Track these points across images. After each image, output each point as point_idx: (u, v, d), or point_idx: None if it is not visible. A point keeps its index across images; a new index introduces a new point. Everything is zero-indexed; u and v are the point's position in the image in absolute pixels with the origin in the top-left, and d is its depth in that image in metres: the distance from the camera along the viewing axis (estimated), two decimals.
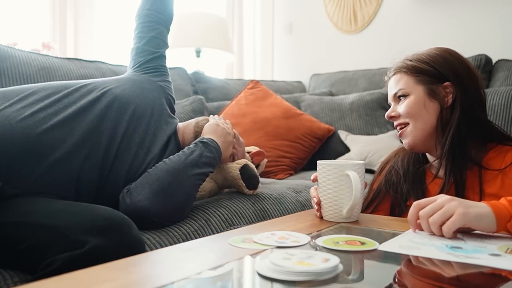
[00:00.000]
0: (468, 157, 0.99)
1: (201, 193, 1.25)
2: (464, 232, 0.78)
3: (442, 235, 0.75)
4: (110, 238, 0.78)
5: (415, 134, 1.02)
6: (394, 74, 1.08)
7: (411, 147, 1.05)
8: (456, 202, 0.75)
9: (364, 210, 1.11)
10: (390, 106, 1.09)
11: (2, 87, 1.44)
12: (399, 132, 1.06)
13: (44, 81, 1.55)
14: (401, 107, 1.04)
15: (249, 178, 1.25)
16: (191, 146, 1.13)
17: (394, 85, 1.07)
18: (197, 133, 1.25)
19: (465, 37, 2.48)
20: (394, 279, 0.60)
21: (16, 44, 1.87)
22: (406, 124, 1.04)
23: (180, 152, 1.11)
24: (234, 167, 1.24)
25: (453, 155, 0.99)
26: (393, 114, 1.06)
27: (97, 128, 1.05)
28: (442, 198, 0.77)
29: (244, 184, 1.24)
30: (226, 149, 1.22)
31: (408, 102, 1.03)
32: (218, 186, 1.31)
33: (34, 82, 1.53)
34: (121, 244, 0.79)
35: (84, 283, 0.54)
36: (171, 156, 1.09)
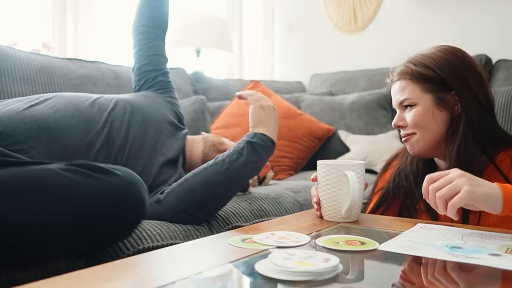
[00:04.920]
0: (471, 169, 0.93)
1: None
2: (464, 234, 0.78)
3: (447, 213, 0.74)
4: (120, 177, 0.79)
5: (422, 144, 0.99)
6: (398, 79, 1.01)
7: (416, 155, 1.02)
8: (466, 178, 0.74)
9: (372, 213, 1.08)
10: (391, 107, 1.06)
11: (2, 87, 1.44)
12: (404, 139, 1.01)
13: (44, 81, 1.56)
14: (408, 117, 0.99)
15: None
16: (237, 147, 1.03)
17: (399, 92, 1.01)
18: (205, 150, 1.26)
19: (465, 37, 2.48)
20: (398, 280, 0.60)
21: (16, 44, 1.87)
22: (413, 134, 1.00)
23: (224, 155, 1.03)
24: None
25: (459, 166, 0.93)
26: (400, 123, 1.01)
27: (112, 125, 1.09)
28: (454, 172, 0.76)
29: None
30: (276, 127, 1.10)
31: (416, 113, 0.97)
32: None
33: (34, 82, 1.53)
34: (128, 190, 0.79)
35: (84, 283, 0.54)
36: (213, 161, 1.03)
